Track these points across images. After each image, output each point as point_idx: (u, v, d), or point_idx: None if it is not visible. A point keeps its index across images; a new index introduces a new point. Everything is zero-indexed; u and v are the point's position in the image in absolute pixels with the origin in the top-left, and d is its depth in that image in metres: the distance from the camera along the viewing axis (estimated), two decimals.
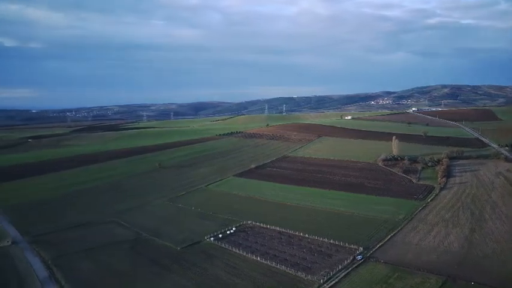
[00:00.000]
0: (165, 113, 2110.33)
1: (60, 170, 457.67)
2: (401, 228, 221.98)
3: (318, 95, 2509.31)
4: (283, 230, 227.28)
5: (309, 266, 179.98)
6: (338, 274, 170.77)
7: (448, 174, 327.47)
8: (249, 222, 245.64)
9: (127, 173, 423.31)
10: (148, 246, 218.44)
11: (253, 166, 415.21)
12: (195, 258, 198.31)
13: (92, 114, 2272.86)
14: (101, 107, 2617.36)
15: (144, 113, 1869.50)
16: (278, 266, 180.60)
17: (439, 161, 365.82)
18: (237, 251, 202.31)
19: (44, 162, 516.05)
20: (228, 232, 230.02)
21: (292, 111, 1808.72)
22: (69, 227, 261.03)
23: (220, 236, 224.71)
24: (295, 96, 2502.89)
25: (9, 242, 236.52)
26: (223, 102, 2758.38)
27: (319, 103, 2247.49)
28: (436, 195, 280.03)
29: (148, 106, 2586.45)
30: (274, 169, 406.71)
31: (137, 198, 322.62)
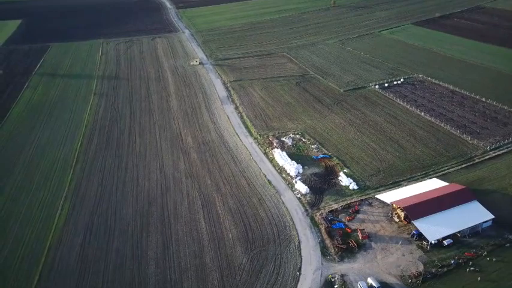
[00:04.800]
0: None
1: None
2: None
3: None
4: (457, 90, 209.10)
5: (478, 130, 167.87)
6: (510, 145, 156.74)
7: None
8: (420, 75, 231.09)
9: (301, 9, 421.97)
10: (313, 84, 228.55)
11: (437, 15, 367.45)
12: (356, 102, 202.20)
13: None
14: None
15: None
16: (442, 125, 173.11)
17: None
18: (401, 102, 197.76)
19: None
20: (394, 82, 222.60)
21: None
22: (248, 55, 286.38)
23: (386, 85, 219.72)
24: None
25: (197, 62, 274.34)
26: None
27: None
28: None
29: None
30: (463, 21, 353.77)
31: (309, 36, 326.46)
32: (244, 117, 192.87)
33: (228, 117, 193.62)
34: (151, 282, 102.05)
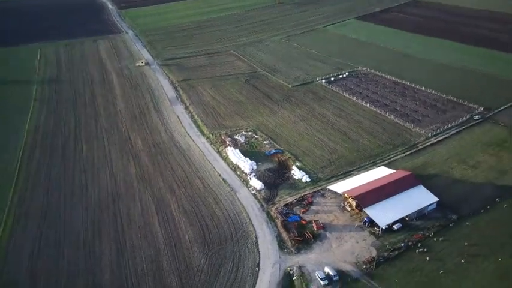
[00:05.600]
0: None
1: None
2: None
3: None
4: (399, 80, 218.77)
5: (420, 118, 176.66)
6: (449, 130, 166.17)
7: None
8: (363, 68, 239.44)
9: (246, 7, 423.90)
10: (262, 80, 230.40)
11: (377, 9, 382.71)
12: (304, 97, 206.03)
13: None
14: None
15: None
16: (387, 115, 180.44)
17: None
18: (347, 95, 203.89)
19: None
20: (340, 76, 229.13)
21: None
22: (195, 55, 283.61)
23: (332, 79, 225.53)
24: None
25: (144, 63, 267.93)
26: None
27: None
28: None
29: None
30: (401, 14, 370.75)
31: (256, 33, 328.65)
32: (195, 116, 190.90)
33: (179, 118, 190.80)
34: None
